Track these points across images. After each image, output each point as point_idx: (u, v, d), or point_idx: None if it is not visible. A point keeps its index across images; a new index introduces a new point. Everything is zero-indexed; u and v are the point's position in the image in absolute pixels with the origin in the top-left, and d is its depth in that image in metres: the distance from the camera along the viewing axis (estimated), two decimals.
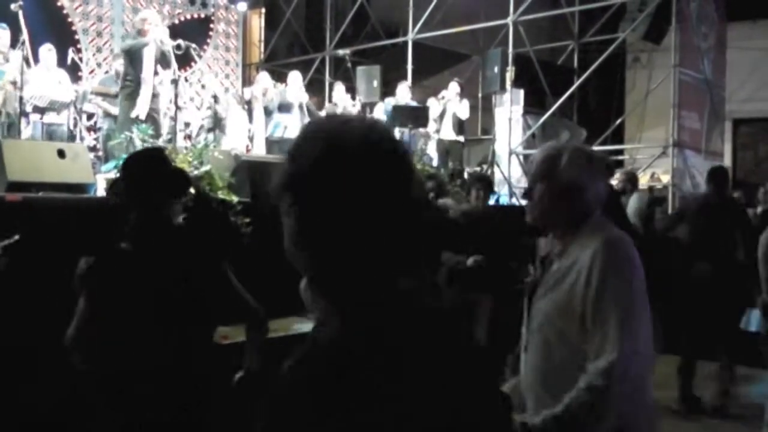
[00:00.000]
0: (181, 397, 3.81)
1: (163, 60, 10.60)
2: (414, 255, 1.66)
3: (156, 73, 10.74)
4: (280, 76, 15.29)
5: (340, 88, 15.92)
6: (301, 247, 1.64)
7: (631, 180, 10.79)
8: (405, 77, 17.41)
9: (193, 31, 16.98)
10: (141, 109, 10.37)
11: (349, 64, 17.26)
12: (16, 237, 5.46)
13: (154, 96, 10.71)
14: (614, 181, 11.09)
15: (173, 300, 3.78)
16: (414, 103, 15.89)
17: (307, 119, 14.02)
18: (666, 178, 15.45)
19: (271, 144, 13.97)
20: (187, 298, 3.83)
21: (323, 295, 1.64)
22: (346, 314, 1.58)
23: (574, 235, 3.22)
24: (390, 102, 15.46)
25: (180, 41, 10.60)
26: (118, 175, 6.72)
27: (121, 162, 6.97)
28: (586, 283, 3.03)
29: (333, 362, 1.52)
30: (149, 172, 3.94)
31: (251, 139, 14.43)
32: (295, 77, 14.54)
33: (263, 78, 14.83)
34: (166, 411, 3.77)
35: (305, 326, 6.96)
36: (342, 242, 1.59)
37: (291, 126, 13.79)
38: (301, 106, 14.10)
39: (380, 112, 15.43)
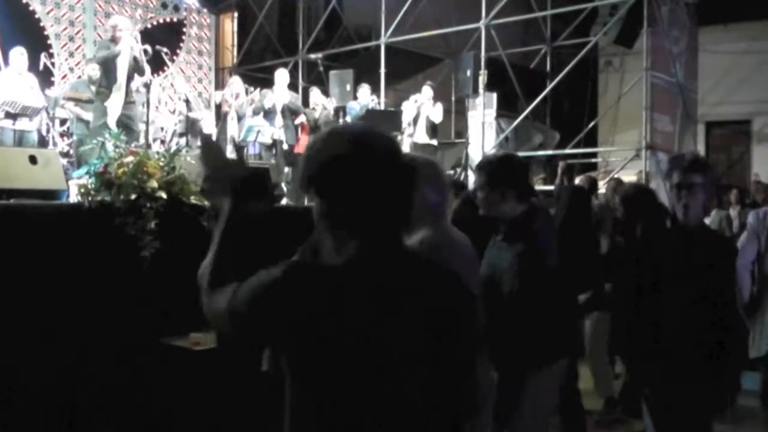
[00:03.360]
0: None
1: (136, 66, 10.56)
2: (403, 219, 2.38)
3: (130, 79, 10.70)
4: (253, 81, 15.26)
5: (316, 92, 15.89)
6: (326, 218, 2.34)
7: (591, 183, 10.91)
8: (378, 81, 17.42)
9: (165, 36, 16.93)
10: (112, 119, 10.32)
11: (322, 68, 17.27)
12: None
13: (130, 103, 10.66)
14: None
15: None
16: (378, 106, 15.90)
17: (281, 123, 14.03)
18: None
19: (242, 148, 13.95)
20: None
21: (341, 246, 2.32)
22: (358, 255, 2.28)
23: None
24: (354, 106, 15.42)
25: (147, 46, 10.56)
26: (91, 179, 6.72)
27: (92, 168, 6.96)
28: None
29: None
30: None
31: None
32: (281, 75, 14.54)
33: (235, 82, 14.80)
34: None
35: None
36: (355, 213, 2.29)
37: (264, 131, 13.77)
38: (284, 109, 14.09)
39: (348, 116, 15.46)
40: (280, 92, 14.33)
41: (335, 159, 2.29)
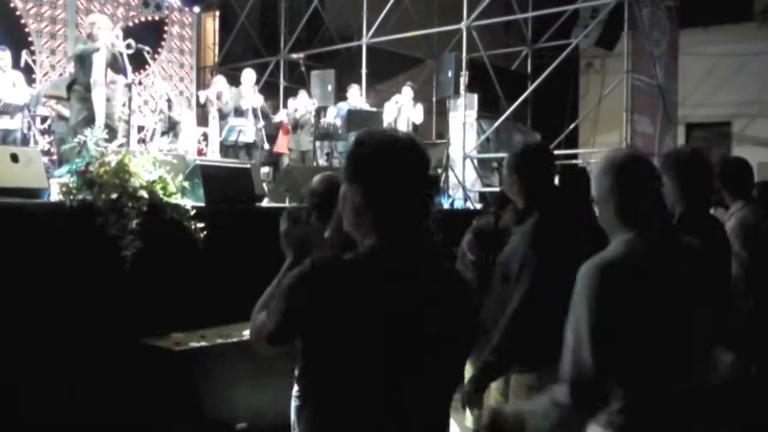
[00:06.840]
0: None
1: (114, 64, 10.52)
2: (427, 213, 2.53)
3: (107, 77, 10.67)
4: (234, 80, 15.26)
5: (302, 94, 15.93)
6: (364, 211, 2.46)
7: None
8: (359, 81, 17.41)
9: (147, 34, 16.84)
10: (100, 117, 10.30)
11: (303, 68, 17.26)
12: None
13: (108, 100, 10.63)
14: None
15: None
16: (367, 107, 15.94)
17: (261, 123, 14.03)
18: None
19: (225, 148, 13.93)
20: None
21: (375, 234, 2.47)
22: (389, 242, 2.44)
23: None
24: (343, 106, 15.45)
25: (130, 41, 10.52)
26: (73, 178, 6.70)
27: (74, 166, 6.94)
28: None
29: (374, 260, 2.43)
30: None
31: (201, 141, 14.38)
32: (248, 75, 14.53)
33: (219, 81, 14.79)
34: None
35: None
36: (391, 204, 2.44)
37: (246, 130, 13.76)
38: (255, 111, 14.09)
39: (332, 116, 15.47)
40: (249, 93, 14.30)
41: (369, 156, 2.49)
